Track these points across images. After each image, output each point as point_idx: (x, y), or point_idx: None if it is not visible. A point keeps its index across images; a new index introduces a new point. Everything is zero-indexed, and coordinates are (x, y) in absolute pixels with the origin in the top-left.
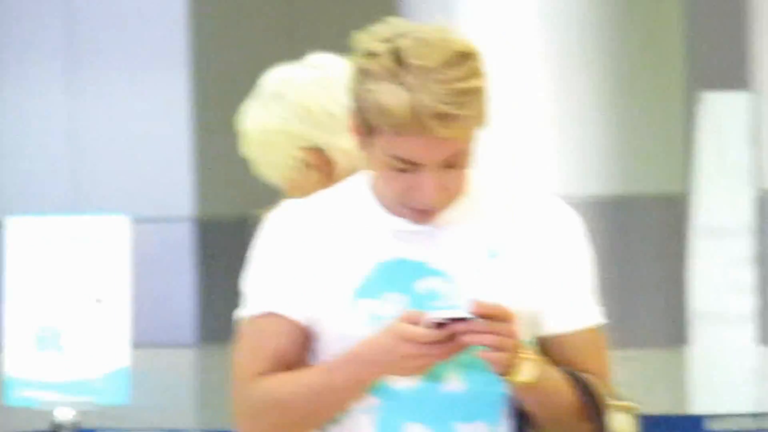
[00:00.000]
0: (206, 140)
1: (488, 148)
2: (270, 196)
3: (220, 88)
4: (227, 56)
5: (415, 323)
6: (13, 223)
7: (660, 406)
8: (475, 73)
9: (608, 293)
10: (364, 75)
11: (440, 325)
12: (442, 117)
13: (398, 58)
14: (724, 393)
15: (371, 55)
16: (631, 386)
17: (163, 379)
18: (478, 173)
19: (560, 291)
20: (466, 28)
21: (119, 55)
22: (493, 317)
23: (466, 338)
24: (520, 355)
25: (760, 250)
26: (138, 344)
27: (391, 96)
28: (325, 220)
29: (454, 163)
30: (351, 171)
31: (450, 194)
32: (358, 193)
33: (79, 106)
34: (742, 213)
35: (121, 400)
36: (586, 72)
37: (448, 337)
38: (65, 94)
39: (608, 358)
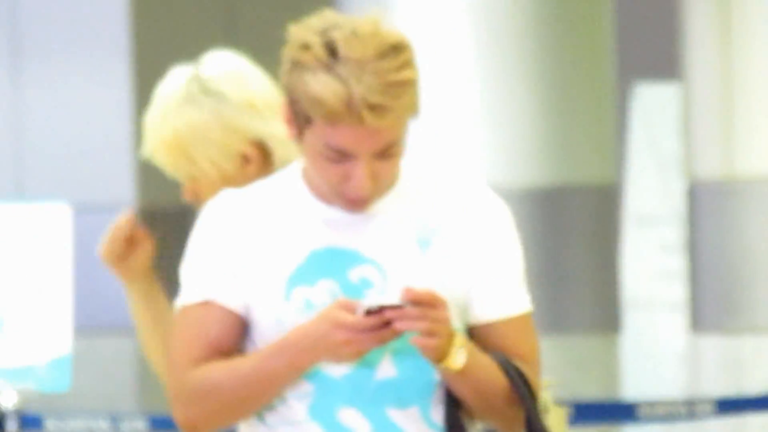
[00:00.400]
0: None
1: (420, 139)
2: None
3: (161, 77)
4: (168, 44)
5: (349, 310)
6: None
7: (592, 392)
8: (408, 65)
9: (541, 281)
10: (297, 66)
11: (373, 312)
12: (375, 108)
13: (332, 50)
14: (655, 379)
15: (305, 46)
16: (563, 372)
17: (104, 363)
18: (409, 163)
19: (489, 278)
20: (397, 17)
21: (61, 44)
22: (424, 304)
23: (398, 324)
24: (451, 341)
25: (690, 239)
26: (79, 329)
27: (325, 87)
28: (260, 208)
29: (387, 153)
30: (287, 161)
31: (382, 184)
32: (291, 182)
33: (22, 94)
34: (673, 202)
35: (63, 387)
36: (516, 62)
37: (381, 324)
38: (7, 83)
39: (537, 344)
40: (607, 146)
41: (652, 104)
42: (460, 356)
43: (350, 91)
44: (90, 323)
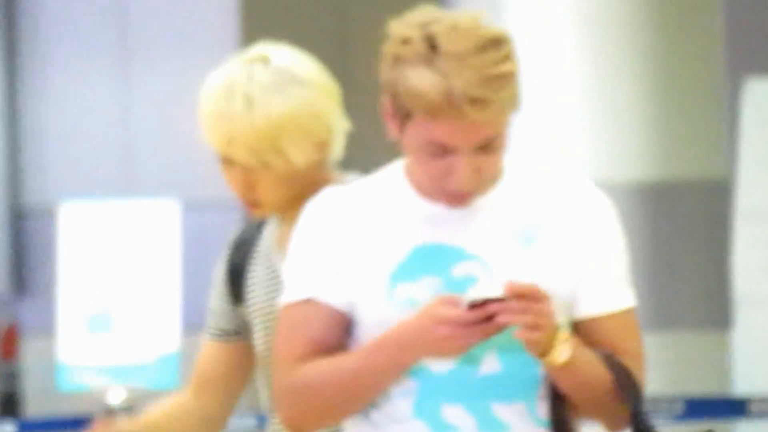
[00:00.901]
0: None
1: (526, 134)
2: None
3: None
4: (278, 39)
5: (452, 305)
6: (65, 208)
7: (703, 388)
8: (508, 59)
9: (651, 277)
10: (398, 61)
11: (475, 306)
12: (476, 102)
13: (432, 44)
14: (767, 375)
15: (405, 41)
16: (674, 369)
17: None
18: (513, 159)
19: (593, 274)
20: (507, 14)
21: (170, 40)
22: (527, 297)
23: (501, 318)
24: (555, 335)
25: None
26: (189, 330)
27: (426, 81)
28: (363, 206)
29: (488, 147)
30: (337, 152)
31: (484, 178)
32: (394, 179)
33: (132, 91)
34: None
35: (171, 384)
36: (625, 58)
37: (483, 318)
38: (118, 81)
39: (641, 340)
40: (717, 141)
41: (763, 99)
42: (563, 350)
43: (450, 84)
44: (200, 323)
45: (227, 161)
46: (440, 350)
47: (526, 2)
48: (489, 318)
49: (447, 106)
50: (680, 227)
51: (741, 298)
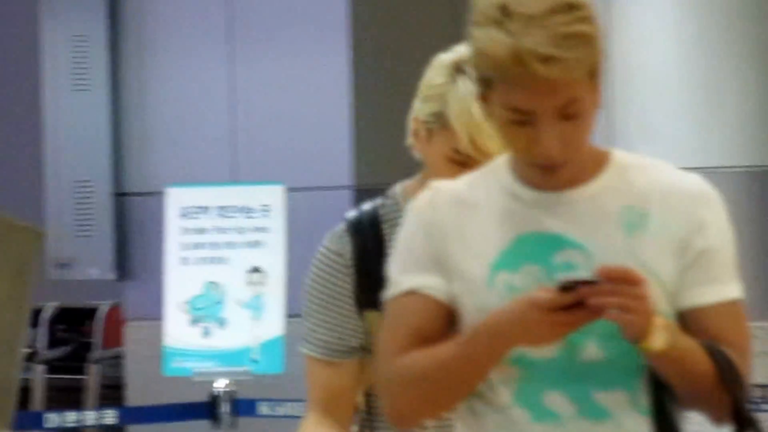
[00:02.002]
0: (364, 111)
1: (635, 125)
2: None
3: (379, 62)
4: (387, 29)
5: (547, 292)
6: (173, 193)
7: None
8: (583, 21)
9: (763, 264)
10: (472, 29)
11: (568, 289)
12: (546, 59)
13: (504, 9)
14: None
15: (480, 10)
16: None
17: None
18: (621, 151)
19: (700, 264)
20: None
21: (279, 28)
22: (621, 280)
23: (593, 300)
24: (652, 321)
25: None
26: (295, 314)
27: (494, 41)
28: (467, 197)
29: (571, 113)
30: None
31: (571, 147)
32: (498, 171)
33: (240, 78)
34: None
35: (276, 369)
36: (740, 41)
37: (577, 302)
38: (226, 67)
39: (748, 332)
40: None
41: None
42: (660, 336)
43: (517, 42)
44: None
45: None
46: (534, 337)
47: None
48: (582, 303)
49: (516, 65)
50: None
51: None
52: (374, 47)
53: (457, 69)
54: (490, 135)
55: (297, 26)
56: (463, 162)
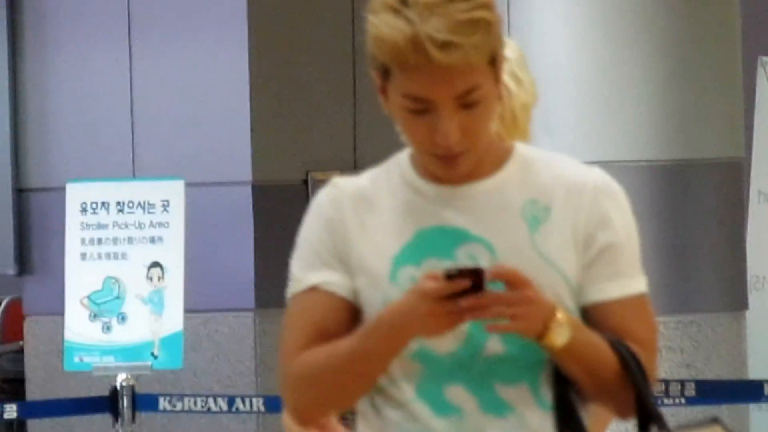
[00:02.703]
0: (264, 106)
1: (539, 119)
2: (328, 159)
3: (278, 59)
4: (285, 26)
5: (435, 280)
6: (73, 188)
7: (720, 371)
8: (481, 7)
9: (665, 259)
10: (370, 17)
11: (453, 277)
12: (443, 45)
13: None
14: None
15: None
16: (690, 352)
17: (219, 344)
18: (524, 145)
19: (604, 258)
20: None
21: (178, 24)
22: (509, 284)
23: (482, 313)
24: (552, 318)
25: None
26: (194, 309)
27: (391, 28)
28: (368, 193)
29: (470, 101)
30: None
31: (471, 136)
32: (399, 166)
33: (139, 73)
34: None
35: (176, 364)
36: (642, 37)
37: (464, 289)
38: (125, 63)
39: (654, 326)
40: (733, 121)
41: None
42: (561, 333)
43: (416, 29)
44: (204, 303)
45: None
46: (427, 327)
47: None
48: (471, 290)
49: (414, 52)
50: (695, 208)
51: (755, 279)
52: (273, 44)
53: None
54: None
55: (196, 22)
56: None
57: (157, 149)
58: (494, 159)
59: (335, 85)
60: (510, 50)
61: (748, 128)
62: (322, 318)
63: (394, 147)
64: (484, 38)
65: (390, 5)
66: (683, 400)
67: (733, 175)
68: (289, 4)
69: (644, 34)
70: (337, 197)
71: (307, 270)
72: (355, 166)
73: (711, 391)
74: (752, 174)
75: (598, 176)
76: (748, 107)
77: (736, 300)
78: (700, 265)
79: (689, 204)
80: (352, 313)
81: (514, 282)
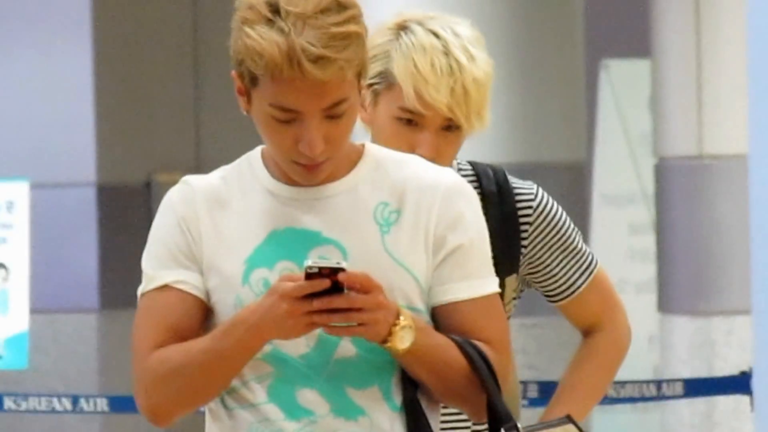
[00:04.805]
0: (108, 106)
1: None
2: (171, 161)
3: (122, 55)
4: (130, 27)
5: (293, 281)
6: None
7: (560, 373)
8: (352, 21)
9: None
10: (242, 25)
11: (313, 276)
12: (317, 60)
13: (275, 7)
14: (626, 360)
15: (249, 7)
16: (534, 353)
17: (64, 344)
18: (375, 145)
19: (453, 260)
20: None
21: (21, 24)
22: (358, 289)
23: (330, 320)
24: (395, 321)
25: (659, 218)
26: (39, 310)
27: (265, 40)
28: (220, 192)
29: (336, 113)
30: None
31: (334, 148)
32: (251, 165)
33: None
34: (642, 180)
35: (21, 364)
36: (485, 39)
37: (323, 288)
38: None
39: (504, 326)
40: (577, 124)
41: (622, 81)
42: (404, 336)
43: (290, 42)
44: (50, 303)
45: (445, 126)
46: (283, 328)
47: None
48: (331, 290)
49: (288, 65)
50: None
51: None
52: (116, 44)
53: (401, 27)
54: (436, 87)
55: (39, 22)
56: (410, 120)
57: (1, 150)
58: (347, 160)
59: (178, 87)
60: (465, 28)
61: (592, 131)
62: (175, 317)
63: (237, 148)
64: (355, 52)
65: (263, 15)
66: (526, 402)
67: (577, 178)
68: (133, 5)
69: (488, 35)
70: (189, 195)
71: (159, 268)
72: (197, 167)
73: (551, 392)
74: (595, 177)
75: (450, 178)
76: (592, 110)
77: None
78: None
79: None
80: (204, 312)
81: (363, 286)
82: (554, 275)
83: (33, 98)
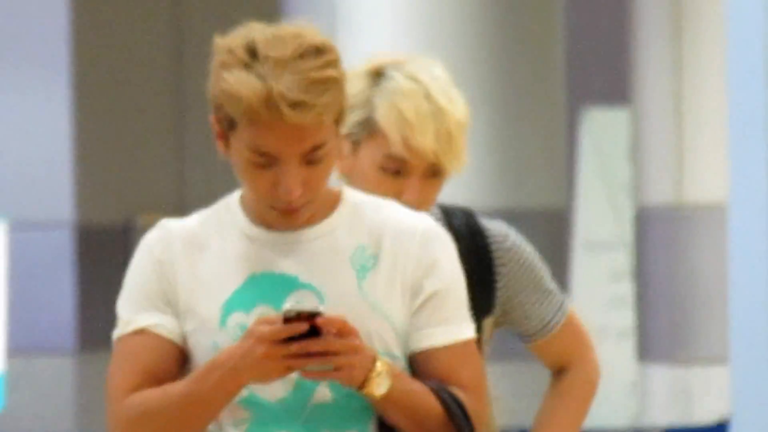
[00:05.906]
0: (87, 145)
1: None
2: (150, 202)
3: (101, 92)
4: (109, 64)
5: (270, 324)
6: None
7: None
8: (331, 65)
9: None
10: (220, 70)
11: (291, 320)
12: (296, 105)
13: (253, 51)
14: (603, 407)
15: (228, 51)
16: (513, 399)
17: (41, 385)
18: (352, 190)
19: (430, 306)
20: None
21: (0, 60)
22: (335, 334)
23: (304, 363)
24: (372, 367)
25: (639, 266)
26: (16, 351)
27: (244, 84)
28: (197, 236)
29: (315, 157)
30: None
31: (312, 192)
32: (229, 209)
33: None
34: (622, 228)
35: None
36: (467, 86)
37: (301, 332)
38: None
39: (480, 371)
40: (557, 171)
41: (602, 129)
42: (381, 382)
43: (269, 87)
44: (27, 345)
45: (430, 171)
46: (261, 372)
47: (364, 26)
48: (309, 334)
49: (266, 110)
50: None
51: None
52: (96, 82)
53: (377, 73)
54: (422, 132)
55: (17, 60)
56: (397, 169)
57: None
58: (324, 204)
59: (160, 126)
60: (439, 69)
61: (572, 179)
62: (151, 361)
63: (220, 189)
64: (334, 97)
65: (240, 59)
66: None
67: (557, 225)
68: (113, 43)
69: (470, 82)
70: (166, 239)
71: (135, 312)
72: (180, 208)
73: None
74: (575, 224)
75: (425, 223)
76: (573, 158)
77: None
78: None
79: None
80: (180, 357)
81: (340, 330)
82: (528, 316)
83: (11, 137)
